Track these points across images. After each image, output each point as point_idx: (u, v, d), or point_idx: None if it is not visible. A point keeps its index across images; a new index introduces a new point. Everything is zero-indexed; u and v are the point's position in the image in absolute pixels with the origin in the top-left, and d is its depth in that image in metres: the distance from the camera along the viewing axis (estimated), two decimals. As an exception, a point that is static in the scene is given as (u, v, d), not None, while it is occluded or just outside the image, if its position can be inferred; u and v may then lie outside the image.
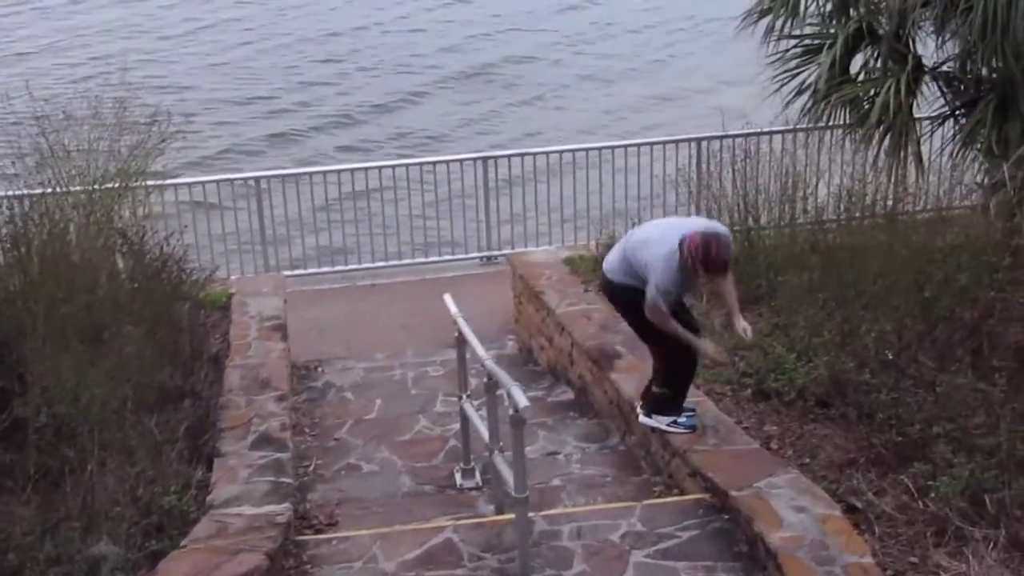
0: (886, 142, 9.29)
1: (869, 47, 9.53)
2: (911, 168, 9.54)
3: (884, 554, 5.89)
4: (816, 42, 9.82)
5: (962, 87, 9.35)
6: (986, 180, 9.28)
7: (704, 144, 12.22)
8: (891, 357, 7.50)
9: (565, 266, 10.55)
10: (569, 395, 9.31)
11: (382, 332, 11.31)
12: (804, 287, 8.52)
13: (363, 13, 30.91)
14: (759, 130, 11.48)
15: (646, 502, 6.84)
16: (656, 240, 6.86)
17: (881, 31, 9.36)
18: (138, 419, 7.20)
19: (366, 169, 12.89)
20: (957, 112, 9.40)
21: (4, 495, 6.42)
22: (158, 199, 11.12)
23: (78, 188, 9.55)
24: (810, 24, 9.99)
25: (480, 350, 6.85)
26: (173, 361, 8.21)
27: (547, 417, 8.77)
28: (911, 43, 9.31)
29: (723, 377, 7.99)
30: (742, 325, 7.09)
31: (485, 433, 6.96)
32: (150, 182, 10.34)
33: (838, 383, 7.39)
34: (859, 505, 6.30)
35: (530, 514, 6.23)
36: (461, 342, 7.44)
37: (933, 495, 6.18)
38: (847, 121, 9.69)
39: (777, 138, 11.31)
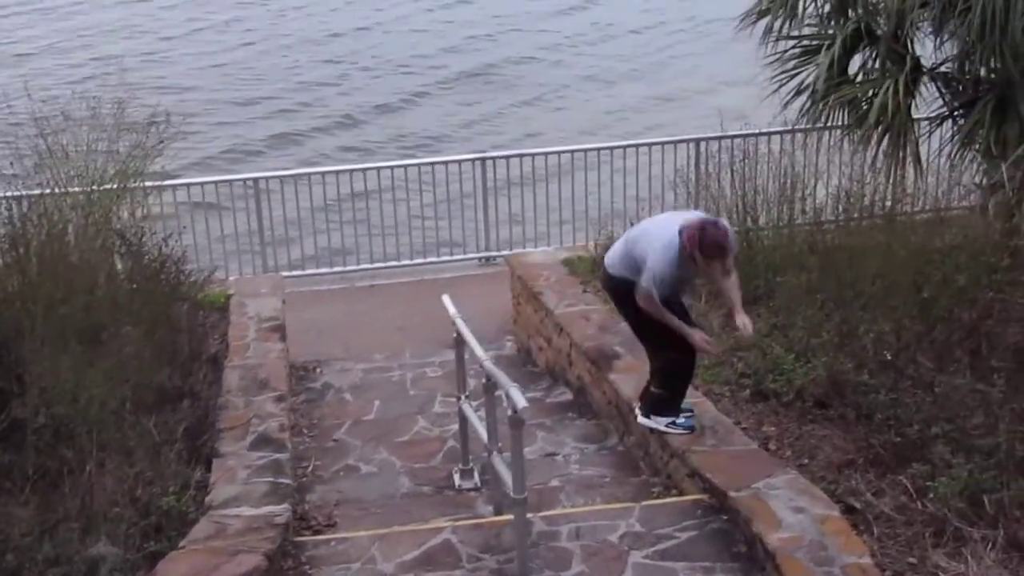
0: (884, 143, 9.29)
1: (867, 48, 9.53)
2: (909, 169, 9.54)
3: (883, 555, 5.89)
4: (814, 43, 9.82)
5: (960, 88, 9.35)
6: (984, 181, 9.28)
7: (703, 145, 12.23)
8: (890, 358, 7.50)
9: (563, 267, 10.55)
10: (568, 396, 9.31)
11: (381, 333, 11.31)
12: (802, 288, 8.52)
13: (364, 14, 30.94)
14: (758, 131, 11.48)
15: (645, 503, 6.84)
16: (656, 231, 6.90)
17: (879, 32, 9.36)
18: (137, 420, 7.20)
19: (364, 170, 12.90)
20: (955, 113, 9.40)
21: (2, 496, 6.41)
22: (157, 200, 11.11)
23: (77, 189, 9.55)
24: (809, 25, 10.00)
25: (479, 351, 6.85)
26: (172, 362, 8.21)
27: (546, 418, 8.77)
28: (909, 44, 9.31)
29: (722, 378, 8.00)
30: (742, 320, 7.06)
31: (484, 434, 6.96)
32: (148, 183, 10.33)
33: (837, 384, 7.40)
34: (858, 506, 6.31)
35: (529, 515, 6.23)
36: (460, 343, 7.44)
37: (932, 496, 6.18)
38: (845, 122, 9.69)
39: (776, 139, 11.31)
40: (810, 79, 9.63)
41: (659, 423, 7.25)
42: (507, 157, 13.02)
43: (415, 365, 10.31)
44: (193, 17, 30.77)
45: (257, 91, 24.59)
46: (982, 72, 9.00)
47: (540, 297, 9.85)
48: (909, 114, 9.23)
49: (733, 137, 11.57)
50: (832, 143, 11.06)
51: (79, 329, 7.56)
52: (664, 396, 7.23)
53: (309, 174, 12.88)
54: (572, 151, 13.24)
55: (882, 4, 9.40)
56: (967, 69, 9.05)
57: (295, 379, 9.81)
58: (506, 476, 6.30)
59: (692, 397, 7.43)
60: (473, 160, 12.86)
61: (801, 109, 9.73)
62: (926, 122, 9.82)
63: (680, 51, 27.01)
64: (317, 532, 6.96)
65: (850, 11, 9.70)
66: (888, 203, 9.73)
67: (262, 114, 22.97)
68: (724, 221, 7.07)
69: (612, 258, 7.16)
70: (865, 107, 9.31)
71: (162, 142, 10.06)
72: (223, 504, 6.57)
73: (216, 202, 12.55)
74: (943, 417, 6.78)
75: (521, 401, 5.85)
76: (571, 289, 9.94)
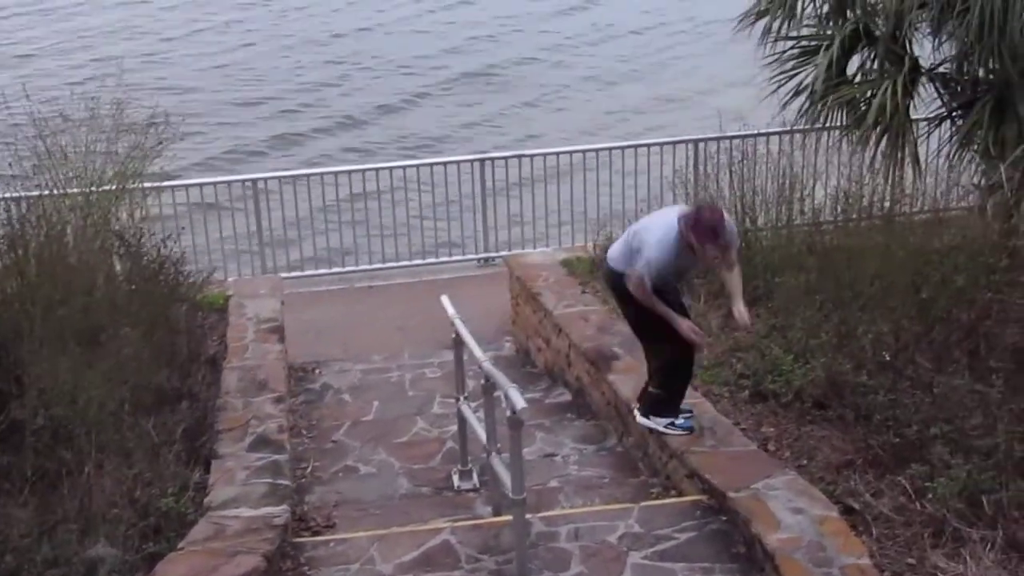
0: (883, 143, 9.29)
1: (866, 48, 9.53)
2: (908, 169, 9.54)
3: (881, 555, 5.89)
4: (813, 43, 9.82)
5: (959, 88, 9.35)
6: (983, 181, 9.29)
7: (701, 146, 12.24)
8: (888, 358, 7.50)
9: (562, 268, 10.56)
10: (567, 396, 9.31)
11: (379, 334, 11.31)
12: (801, 288, 8.52)
13: (365, 15, 30.95)
14: (756, 131, 11.49)
15: (644, 503, 6.84)
16: (656, 220, 6.94)
17: (878, 32, 9.37)
18: (135, 421, 7.20)
19: (363, 171, 12.89)
20: (954, 113, 9.40)
21: (1, 497, 6.41)
22: (156, 201, 11.11)
23: (75, 190, 9.55)
24: (807, 26, 9.99)
25: (477, 352, 6.85)
26: (170, 363, 8.21)
27: (544, 419, 8.77)
28: (908, 44, 9.31)
29: (721, 379, 8.00)
30: (740, 310, 7.04)
31: (482, 435, 6.96)
32: (147, 184, 10.32)
33: (835, 384, 7.40)
34: (856, 506, 6.31)
35: (528, 515, 6.23)
36: (458, 344, 7.44)
37: (930, 496, 6.18)
38: (844, 122, 9.69)
39: (774, 139, 11.32)
40: (808, 80, 9.64)
41: (658, 424, 7.25)
42: (506, 158, 13.02)
43: (414, 366, 10.31)
44: (194, 18, 30.78)
45: (258, 92, 24.62)
46: (980, 73, 9.00)
47: (539, 298, 9.86)
48: (907, 115, 9.23)
49: (732, 138, 11.58)
50: (831, 144, 11.06)
51: (78, 330, 7.55)
52: (662, 397, 7.22)
53: (308, 175, 12.89)
54: (571, 152, 13.25)
55: (880, 5, 9.40)
56: (965, 70, 9.05)
57: (294, 380, 9.82)
58: (505, 477, 6.30)
59: (691, 398, 7.43)
60: (472, 161, 12.87)
61: (800, 110, 9.74)
62: (924, 123, 9.82)
63: (681, 52, 27.04)
64: (316, 533, 6.96)
65: (848, 12, 9.70)
66: (887, 204, 9.74)
67: (263, 115, 23.00)
68: (725, 213, 7.06)
69: (614, 253, 7.15)
70: (863, 108, 9.31)
71: (161, 143, 10.05)
72: (222, 505, 6.57)
73: (215, 203, 12.55)
74: (942, 418, 6.78)
75: (520, 402, 5.85)
76: (570, 290, 9.94)
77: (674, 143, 12.54)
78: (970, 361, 7.50)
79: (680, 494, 7.00)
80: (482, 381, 6.76)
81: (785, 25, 9.90)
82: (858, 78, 9.59)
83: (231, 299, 10.17)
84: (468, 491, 7.63)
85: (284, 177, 13.00)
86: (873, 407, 7.09)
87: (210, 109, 23.00)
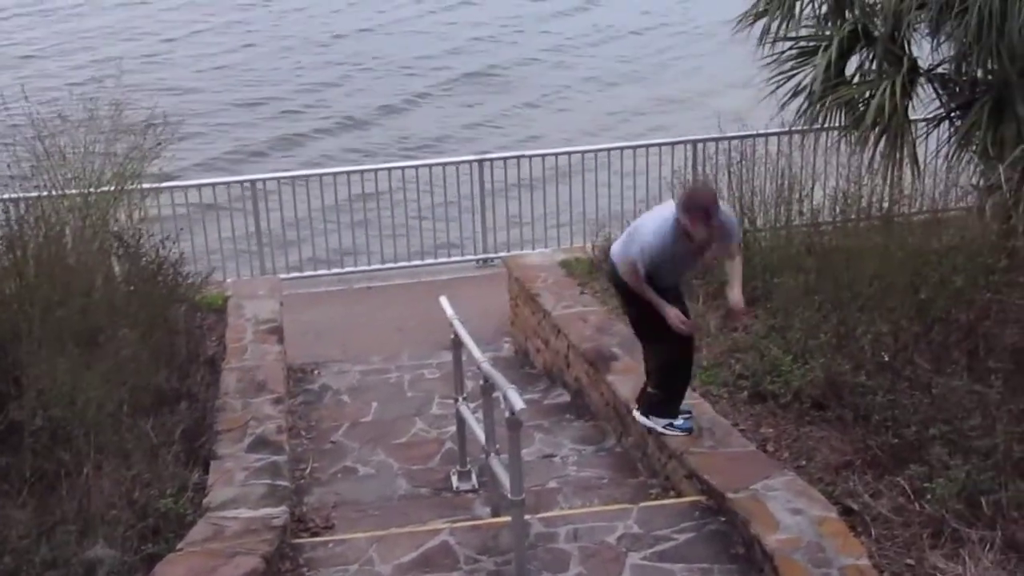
0: (882, 144, 9.29)
1: (864, 49, 9.53)
2: (907, 170, 9.54)
3: (880, 556, 5.89)
4: (812, 44, 9.82)
5: (957, 89, 9.36)
6: (982, 182, 9.29)
7: (700, 146, 12.24)
8: (887, 359, 7.50)
9: (561, 268, 10.56)
10: (565, 397, 9.31)
11: (378, 335, 11.31)
12: (800, 289, 8.53)
13: (365, 15, 30.95)
14: (755, 132, 11.48)
15: (643, 504, 6.84)
16: (654, 213, 6.94)
17: (876, 33, 9.37)
18: (134, 422, 7.20)
19: (362, 172, 12.88)
20: (952, 114, 9.40)
21: (0, 498, 6.41)
22: (154, 202, 11.10)
23: (74, 191, 9.55)
24: (806, 26, 9.99)
25: (476, 352, 6.85)
26: (169, 364, 8.21)
27: (543, 419, 8.77)
28: (906, 45, 9.31)
29: (720, 379, 8.01)
30: (735, 295, 7.02)
31: (481, 436, 6.96)
32: (146, 185, 10.32)
33: (834, 385, 7.40)
34: (855, 507, 6.31)
35: (526, 516, 6.23)
36: (457, 344, 7.44)
37: (929, 497, 6.18)
38: (843, 123, 9.69)
39: (773, 140, 11.32)
40: (807, 80, 9.64)
41: (657, 424, 7.25)
42: (504, 159, 13.02)
43: (413, 367, 10.31)
44: (194, 19, 30.77)
45: (259, 92, 24.62)
46: (979, 73, 9.00)
47: (538, 299, 9.86)
48: (906, 115, 9.23)
49: (731, 138, 11.58)
50: (829, 144, 11.07)
51: (76, 331, 7.56)
52: (661, 397, 7.23)
53: (307, 176, 12.89)
54: (569, 153, 13.25)
55: (879, 5, 9.40)
56: (964, 70, 9.05)
57: (293, 381, 9.82)
58: (504, 478, 6.29)
59: (690, 398, 7.43)
60: (471, 162, 12.87)
61: (798, 110, 9.74)
62: (923, 123, 9.83)
63: (682, 52, 27.03)
64: (315, 534, 6.96)
65: (847, 12, 9.71)
66: (885, 204, 9.75)
67: (265, 116, 23.01)
68: (724, 202, 7.03)
69: (616, 250, 7.15)
70: (862, 108, 9.31)
71: (159, 144, 10.04)
72: (221, 506, 6.57)
73: (214, 204, 12.54)
74: (941, 418, 6.78)
75: (519, 403, 5.85)
76: (568, 291, 9.95)
77: (673, 144, 12.54)
78: (969, 362, 7.50)
79: (679, 495, 7.00)
80: (481, 382, 6.76)
81: (784, 26, 9.90)
82: (857, 79, 9.60)
83: (230, 300, 10.17)
84: (467, 492, 7.63)
85: (283, 178, 13.00)
86: (872, 408, 7.09)
87: (211, 110, 23.03)
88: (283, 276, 12.03)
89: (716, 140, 11.77)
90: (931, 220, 9.53)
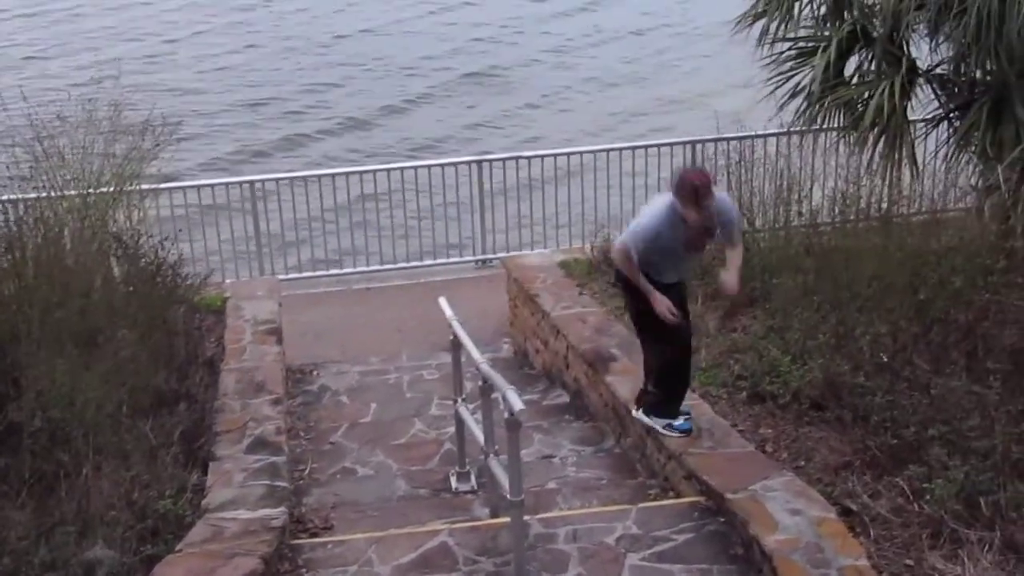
0: (880, 145, 9.28)
1: (863, 50, 9.52)
2: (905, 171, 9.54)
3: (879, 556, 5.90)
4: (810, 45, 9.81)
5: (956, 90, 9.35)
6: (980, 183, 9.29)
7: (699, 147, 12.24)
8: (886, 360, 7.50)
9: (560, 269, 10.56)
10: (564, 398, 9.31)
11: (377, 336, 11.31)
12: (799, 290, 8.53)
13: (366, 16, 30.94)
14: (754, 133, 11.48)
15: (642, 505, 6.84)
16: (654, 200, 6.93)
17: (875, 34, 9.37)
18: (133, 423, 7.20)
19: (361, 173, 12.87)
20: (951, 115, 9.40)
21: (-1, 499, 6.42)
22: (153, 203, 11.10)
23: (73, 192, 9.55)
24: (804, 27, 9.99)
25: (475, 353, 6.85)
26: (168, 365, 8.21)
27: (542, 420, 8.77)
28: (905, 46, 9.31)
29: (718, 380, 8.01)
30: (729, 276, 7.00)
31: (480, 436, 6.96)
32: (145, 186, 10.32)
33: (833, 386, 7.40)
34: (854, 508, 6.31)
35: (525, 517, 6.23)
36: (456, 345, 7.44)
37: (928, 497, 6.18)
38: (842, 124, 9.69)
39: (772, 141, 11.32)
40: (806, 81, 9.63)
41: (657, 423, 7.25)
42: (503, 159, 13.02)
43: (412, 368, 10.30)
44: (195, 20, 30.78)
45: (262, 93, 24.64)
46: (978, 74, 8.99)
47: (536, 299, 9.86)
48: (905, 116, 9.23)
49: (729, 139, 11.59)
50: (828, 145, 11.06)
51: (75, 333, 7.56)
52: (660, 397, 7.23)
53: (305, 177, 12.89)
54: (568, 154, 13.24)
55: (878, 6, 9.40)
56: (963, 71, 9.04)
57: (291, 382, 9.82)
58: (503, 478, 6.30)
59: (689, 399, 7.43)
60: (470, 163, 12.87)
61: (797, 111, 9.73)
62: (922, 124, 9.81)
63: (683, 53, 27.03)
64: (314, 535, 6.95)
65: (846, 13, 9.70)
66: (884, 205, 9.75)
67: (267, 116, 23.04)
68: (723, 191, 6.99)
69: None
70: (861, 109, 9.30)
71: (158, 145, 10.04)
72: (220, 507, 6.57)
73: (213, 205, 12.54)
74: (939, 419, 6.78)
75: (518, 403, 5.85)
76: (567, 291, 9.95)
77: (671, 145, 12.54)
78: (968, 362, 7.50)
79: (678, 495, 7.00)
80: (480, 383, 6.76)
81: (783, 27, 9.90)
82: (855, 79, 9.59)
83: (229, 301, 10.17)
84: (466, 493, 7.62)
85: (281, 179, 12.99)
86: (871, 408, 7.09)
87: (214, 110, 23.06)
88: (282, 277, 12.04)
89: (715, 141, 11.77)
90: (930, 221, 9.53)
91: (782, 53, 9.91)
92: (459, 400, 7.59)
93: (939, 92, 9.47)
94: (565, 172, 13.13)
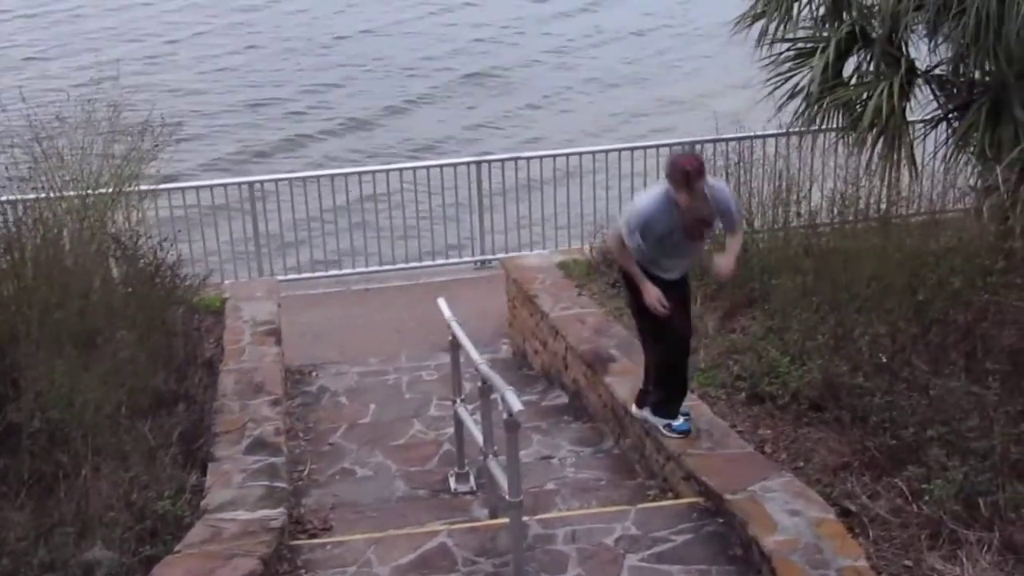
0: (879, 145, 9.29)
1: (862, 51, 9.53)
2: (904, 171, 9.55)
3: (878, 557, 5.90)
4: (809, 46, 9.82)
5: (955, 90, 9.36)
6: (979, 183, 9.30)
7: (698, 148, 12.23)
8: (885, 360, 7.50)
9: (559, 270, 10.56)
10: (563, 399, 9.31)
11: (376, 336, 11.31)
12: (798, 290, 8.53)
13: (367, 16, 30.94)
14: (752, 134, 11.49)
15: (640, 506, 6.84)
16: (651, 187, 6.93)
17: (874, 35, 9.37)
18: (132, 424, 7.20)
19: (359, 173, 12.87)
20: (950, 115, 9.41)
21: (-2, 500, 6.42)
22: (152, 204, 11.09)
23: (72, 193, 9.55)
24: (803, 28, 10.00)
25: (474, 354, 6.85)
26: (167, 366, 8.21)
27: (541, 421, 8.77)
28: (904, 47, 9.32)
29: (717, 381, 8.01)
30: (724, 259, 6.97)
31: (479, 437, 6.96)
32: (144, 187, 10.31)
33: (832, 386, 7.40)
34: (853, 508, 6.31)
35: (524, 518, 6.23)
36: (455, 346, 7.44)
37: (927, 498, 6.18)
38: (840, 125, 9.69)
39: (771, 142, 11.32)
40: (805, 82, 9.63)
41: (657, 422, 7.25)
42: (502, 160, 13.02)
43: (411, 368, 10.30)
44: (197, 21, 30.78)
45: (263, 94, 24.64)
46: (976, 75, 9.00)
47: (535, 300, 9.86)
48: (904, 117, 9.24)
49: (728, 140, 11.59)
50: (827, 146, 11.06)
51: (74, 333, 7.56)
52: (659, 397, 7.23)
53: (304, 177, 12.89)
54: (567, 154, 13.24)
55: (877, 7, 9.40)
56: (961, 72, 9.05)
57: (290, 383, 9.81)
58: (502, 479, 6.30)
59: (688, 400, 7.42)
60: (468, 164, 12.87)
61: (796, 112, 9.74)
62: (921, 125, 9.82)
63: (683, 54, 27.02)
64: (313, 536, 6.95)
65: (844, 14, 9.70)
66: (883, 206, 9.75)
67: (268, 117, 23.04)
68: (722, 181, 6.98)
69: None
70: (860, 110, 9.31)
71: (156, 146, 10.04)
72: (218, 508, 6.57)
73: (212, 205, 12.54)
74: (938, 420, 6.78)
75: (517, 404, 5.85)
76: (566, 292, 9.95)
77: (670, 145, 12.53)
78: (966, 363, 7.50)
79: (677, 496, 7.00)
80: (479, 383, 6.76)
81: (781, 27, 9.90)
82: (854, 80, 9.60)
83: (228, 302, 10.17)
84: (465, 494, 7.62)
85: (280, 180, 12.99)
86: (870, 409, 7.08)
87: (215, 111, 23.07)
88: (281, 278, 12.03)
89: (714, 142, 11.77)
90: (929, 221, 9.53)
91: (781, 54, 9.91)
92: (458, 401, 7.59)
93: (938, 93, 9.48)
94: (564, 173, 13.13)
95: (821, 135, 10.88)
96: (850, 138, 9.56)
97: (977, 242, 8.56)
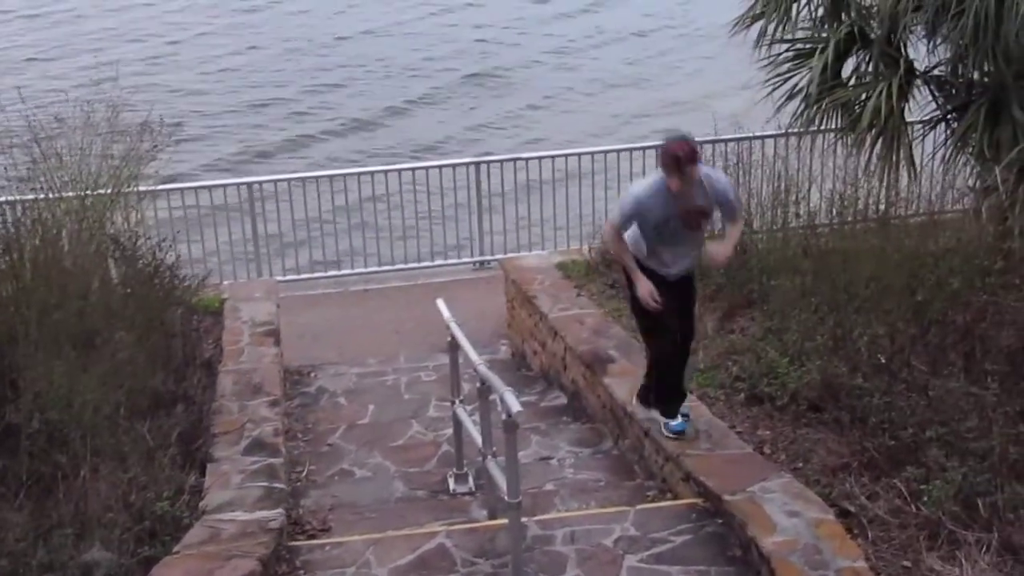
0: (878, 146, 9.30)
1: (861, 51, 9.53)
2: (903, 172, 9.55)
3: (877, 558, 5.90)
4: (808, 46, 9.82)
5: (953, 91, 9.36)
6: (978, 184, 9.30)
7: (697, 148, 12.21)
8: (883, 361, 7.50)
9: (558, 271, 10.56)
10: (562, 400, 9.31)
11: (375, 337, 11.31)
12: (797, 291, 8.53)
13: (367, 17, 30.95)
14: (751, 135, 11.48)
15: (639, 507, 6.84)
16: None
17: (873, 35, 9.38)
18: (131, 425, 7.19)
19: (358, 174, 12.87)
20: (949, 116, 9.41)
21: (-3, 501, 6.42)
22: (151, 204, 11.09)
23: (71, 194, 9.54)
24: (802, 29, 10.00)
25: (473, 355, 6.85)
26: (166, 366, 8.20)
27: (540, 422, 8.76)
28: (903, 47, 9.32)
29: (716, 382, 8.01)
30: (719, 247, 6.96)
31: (478, 438, 6.96)
32: (143, 188, 10.31)
33: (831, 387, 7.40)
34: (852, 509, 6.31)
35: (523, 519, 6.23)
36: (454, 347, 7.44)
37: (926, 499, 6.19)
38: (839, 125, 9.69)
39: (769, 142, 11.32)
40: (804, 83, 9.63)
41: (656, 416, 7.25)
42: (501, 161, 13.02)
43: (409, 369, 10.30)
44: (198, 21, 30.80)
45: (264, 94, 24.67)
46: (975, 75, 9.01)
47: (534, 301, 9.86)
48: (902, 117, 9.24)
49: (727, 141, 11.58)
50: (826, 147, 11.07)
51: (73, 334, 7.56)
52: (658, 396, 7.24)
53: (303, 178, 12.89)
54: (565, 155, 13.23)
55: (875, 8, 9.41)
56: (960, 72, 9.06)
57: (289, 383, 9.81)
58: (500, 480, 6.29)
59: (687, 400, 7.42)
60: (468, 164, 12.87)
61: (795, 113, 9.74)
62: (919, 125, 9.82)
63: (684, 55, 27.03)
64: (311, 537, 6.95)
65: (843, 15, 9.71)
66: (882, 206, 9.75)
67: (270, 117, 23.06)
68: (720, 171, 6.95)
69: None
70: (858, 110, 9.31)
71: (156, 146, 10.04)
72: (217, 509, 6.57)
73: (211, 206, 12.54)
74: (937, 420, 6.79)
75: (515, 405, 5.84)
76: (565, 293, 9.94)
77: (670, 146, 12.50)
78: (965, 364, 7.50)
79: (676, 497, 7.00)
80: (478, 384, 6.76)
81: (780, 28, 9.90)
82: (853, 81, 9.60)
83: (226, 302, 10.16)
84: (464, 495, 7.62)
85: (279, 180, 12.98)
86: (869, 410, 7.09)
87: (216, 112, 23.10)
88: (280, 278, 12.03)
89: (712, 142, 11.77)
90: (927, 222, 9.54)
91: (780, 55, 9.91)
92: (457, 402, 7.59)
93: (937, 94, 9.48)
94: (563, 174, 13.12)
95: (820, 136, 10.89)
96: (849, 139, 9.57)
97: (976, 243, 8.56)
